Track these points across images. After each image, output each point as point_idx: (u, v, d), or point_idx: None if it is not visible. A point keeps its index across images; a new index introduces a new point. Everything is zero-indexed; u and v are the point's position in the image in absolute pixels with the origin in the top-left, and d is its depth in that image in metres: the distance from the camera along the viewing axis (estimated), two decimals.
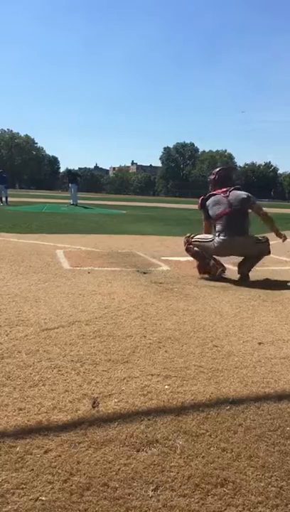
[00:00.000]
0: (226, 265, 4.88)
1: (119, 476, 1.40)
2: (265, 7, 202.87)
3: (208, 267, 4.60)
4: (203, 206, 4.71)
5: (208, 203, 4.67)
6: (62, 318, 2.95)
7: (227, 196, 4.59)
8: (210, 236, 4.63)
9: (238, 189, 4.72)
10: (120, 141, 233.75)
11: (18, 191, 51.52)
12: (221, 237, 4.49)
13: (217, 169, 5.02)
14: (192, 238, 4.74)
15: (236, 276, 4.66)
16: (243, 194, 4.64)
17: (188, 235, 4.82)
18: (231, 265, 4.96)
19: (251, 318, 3.19)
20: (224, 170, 5.01)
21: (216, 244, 4.52)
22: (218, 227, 4.57)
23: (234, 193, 4.63)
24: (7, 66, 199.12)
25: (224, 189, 4.68)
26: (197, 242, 4.68)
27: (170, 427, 1.69)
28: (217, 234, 4.55)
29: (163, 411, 1.80)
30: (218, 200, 4.61)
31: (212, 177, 4.88)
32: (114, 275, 4.48)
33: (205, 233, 4.76)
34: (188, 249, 4.79)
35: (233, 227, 4.49)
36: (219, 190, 4.68)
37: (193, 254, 4.75)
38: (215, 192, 4.72)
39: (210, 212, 4.63)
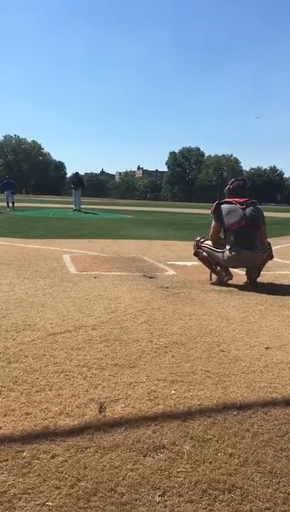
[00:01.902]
0: (232, 270, 4.87)
1: (126, 482, 1.40)
2: (268, 14, 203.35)
3: (215, 273, 4.60)
4: (217, 210, 4.61)
5: (223, 207, 4.59)
6: (68, 322, 2.95)
7: (244, 208, 4.52)
8: (220, 248, 4.58)
9: (255, 203, 4.67)
10: (126, 146, 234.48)
11: (24, 196, 51.81)
12: (232, 253, 4.43)
13: (232, 180, 5.01)
14: (202, 243, 4.73)
15: (242, 280, 4.65)
16: (259, 211, 4.63)
17: (198, 238, 4.82)
18: (238, 270, 4.95)
19: (258, 323, 3.17)
20: (238, 180, 4.98)
21: (225, 258, 4.49)
22: (230, 240, 4.49)
23: (250, 208, 4.56)
24: (15, 73, 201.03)
25: (242, 200, 4.60)
26: (207, 249, 4.67)
27: (177, 432, 1.68)
28: (228, 247, 4.48)
29: (170, 416, 1.79)
30: (234, 210, 4.53)
31: (227, 187, 4.86)
32: (120, 280, 4.48)
33: (212, 236, 4.68)
34: (196, 254, 4.79)
35: (246, 241, 4.44)
36: (236, 199, 4.62)
37: (201, 259, 4.75)
38: (230, 199, 4.65)
39: (225, 220, 4.53)
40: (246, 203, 4.57)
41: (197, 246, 4.76)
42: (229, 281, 4.56)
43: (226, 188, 4.85)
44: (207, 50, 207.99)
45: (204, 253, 4.69)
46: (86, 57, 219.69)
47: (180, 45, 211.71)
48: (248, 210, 4.52)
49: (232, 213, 4.51)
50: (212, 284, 4.53)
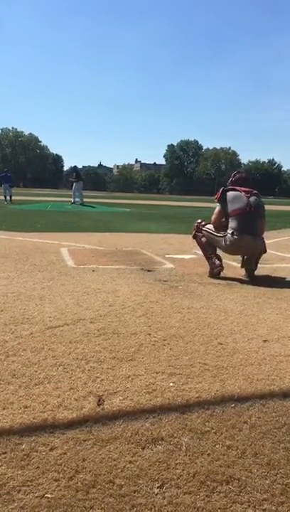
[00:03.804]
0: (229, 262, 4.88)
1: (125, 474, 1.40)
2: (267, 5, 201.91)
3: (207, 261, 4.61)
4: (222, 196, 4.57)
5: (229, 194, 4.57)
6: (66, 316, 2.95)
7: (248, 197, 4.53)
8: (221, 232, 4.56)
9: (258, 195, 4.67)
10: (124, 139, 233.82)
11: (22, 190, 51.62)
12: (234, 236, 4.40)
13: (234, 172, 4.99)
14: (203, 226, 4.71)
15: (240, 274, 4.65)
16: (261, 203, 4.63)
17: (199, 221, 4.80)
18: (235, 262, 4.96)
19: (256, 316, 3.18)
20: (240, 172, 4.97)
21: (227, 243, 4.46)
22: (233, 224, 4.45)
23: (254, 197, 4.57)
24: (11, 65, 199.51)
25: (247, 189, 4.60)
26: (207, 233, 4.65)
27: (175, 425, 1.69)
28: (230, 231, 4.44)
29: (168, 408, 1.80)
30: (239, 197, 4.52)
31: (229, 180, 4.83)
32: (118, 273, 4.48)
33: (215, 221, 4.64)
34: (195, 236, 4.78)
35: (248, 226, 4.43)
36: (241, 189, 4.61)
37: (199, 243, 4.75)
38: (236, 187, 4.63)
39: (229, 206, 4.50)
40: (250, 193, 4.58)
41: (198, 229, 4.74)
42: (228, 275, 4.56)
43: (229, 181, 4.83)
44: (206, 43, 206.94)
45: (203, 238, 4.67)
46: (84, 50, 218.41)
47: (178, 37, 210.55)
48: (252, 199, 4.53)
49: (237, 200, 4.51)
50: (209, 277, 4.53)
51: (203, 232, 4.68)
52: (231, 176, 4.86)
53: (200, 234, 4.71)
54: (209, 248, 4.63)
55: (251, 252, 4.61)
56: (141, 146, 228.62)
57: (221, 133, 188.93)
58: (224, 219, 4.60)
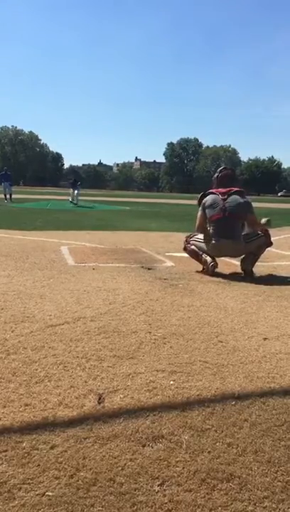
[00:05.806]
0: (230, 260, 4.87)
1: (125, 472, 1.41)
2: (268, 2, 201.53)
3: (200, 262, 4.68)
4: (200, 202, 4.75)
5: (206, 199, 4.70)
6: (67, 314, 2.95)
7: (225, 199, 4.57)
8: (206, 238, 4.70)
9: (240, 192, 4.66)
10: (124, 137, 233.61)
11: (22, 188, 51.59)
12: (212, 242, 4.59)
13: (220, 168, 5.04)
14: (191, 238, 4.84)
15: (239, 271, 4.65)
16: (241, 200, 4.60)
17: (188, 234, 4.94)
18: (235, 260, 4.95)
19: (256, 314, 3.18)
20: (226, 169, 4.98)
21: (209, 247, 4.63)
22: (211, 229, 4.63)
23: (233, 197, 4.59)
24: (10, 63, 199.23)
25: (225, 190, 4.64)
26: (194, 241, 4.78)
27: (175, 423, 1.69)
28: (209, 237, 4.62)
29: (169, 406, 1.80)
30: (215, 202, 4.60)
31: (215, 176, 4.90)
32: (118, 271, 4.48)
33: (199, 226, 4.77)
34: (185, 248, 4.91)
35: (223, 231, 4.53)
36: (219, 190, 4.66)
37: (189, 253, 4.85)
38: (214, 191, 4.71)
39: (206, 211, 4.65)
40: (228, 193, 4.61)
41: (186, 241, 4.87)
42: (227, 272, 4.57)
43: (215, 176, 4.90)
44: (205, 39, 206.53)
45: (192, 246, 4.79)
46: (83, 47, 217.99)
47: (178, 34, 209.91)
48: (229, 201, 4.57)
49: (214, 205, 4.61)
50: (200, 272, 4.56)
51: (191, 242, 4.81)
52: (217, 172, 4.91)
53: (188, 245, 4.84)
54: (198, 251, 4.71)
55: (234, 254, 4.74)
56: (141, 144, 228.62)
57: (221, 131, 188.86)
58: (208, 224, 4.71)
